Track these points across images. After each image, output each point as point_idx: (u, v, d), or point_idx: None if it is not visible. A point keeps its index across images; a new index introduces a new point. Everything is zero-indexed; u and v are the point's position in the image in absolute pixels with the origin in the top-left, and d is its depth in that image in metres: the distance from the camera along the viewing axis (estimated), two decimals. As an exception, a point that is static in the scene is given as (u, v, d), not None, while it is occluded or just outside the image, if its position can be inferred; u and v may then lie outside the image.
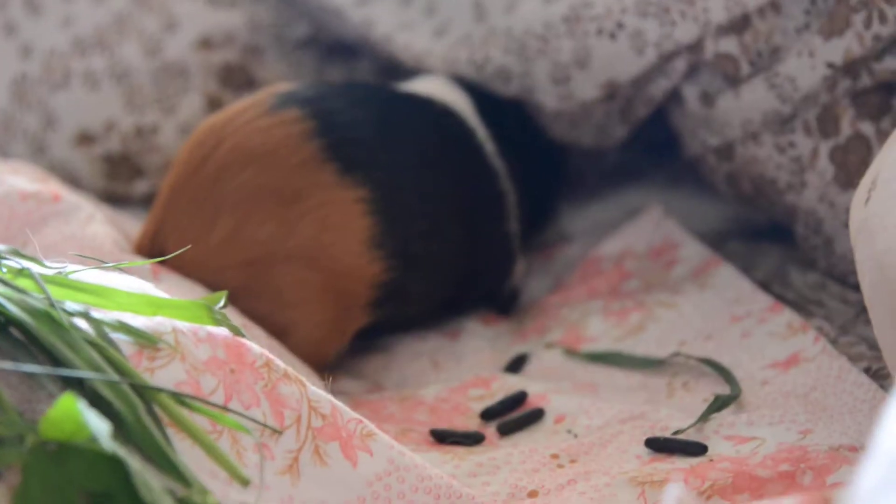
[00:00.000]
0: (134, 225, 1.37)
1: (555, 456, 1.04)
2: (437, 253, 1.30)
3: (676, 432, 1.07)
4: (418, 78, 1.42)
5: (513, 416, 1.15)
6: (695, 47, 1.34)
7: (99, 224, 1.23)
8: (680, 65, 1.37)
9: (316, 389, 0.89)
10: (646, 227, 1.46)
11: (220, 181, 1.18)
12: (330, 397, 0.89)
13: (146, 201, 1.58)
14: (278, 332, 1.19)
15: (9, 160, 1.45)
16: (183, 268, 1.17)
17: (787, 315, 1.23)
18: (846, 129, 1.27)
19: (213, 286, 1.16)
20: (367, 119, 1.25)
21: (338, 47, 1.63)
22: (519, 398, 1.17)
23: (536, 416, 1.14)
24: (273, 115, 1.20)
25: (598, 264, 1.44)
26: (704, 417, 1.08)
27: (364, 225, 1.22)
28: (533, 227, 1.47)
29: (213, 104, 1.57)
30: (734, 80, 1.35)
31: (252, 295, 1.18)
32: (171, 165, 1.25)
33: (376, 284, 1.25)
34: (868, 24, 1.21)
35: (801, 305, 1.29)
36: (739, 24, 1.31)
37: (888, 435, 0.53)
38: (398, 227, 1.25)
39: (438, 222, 1.30)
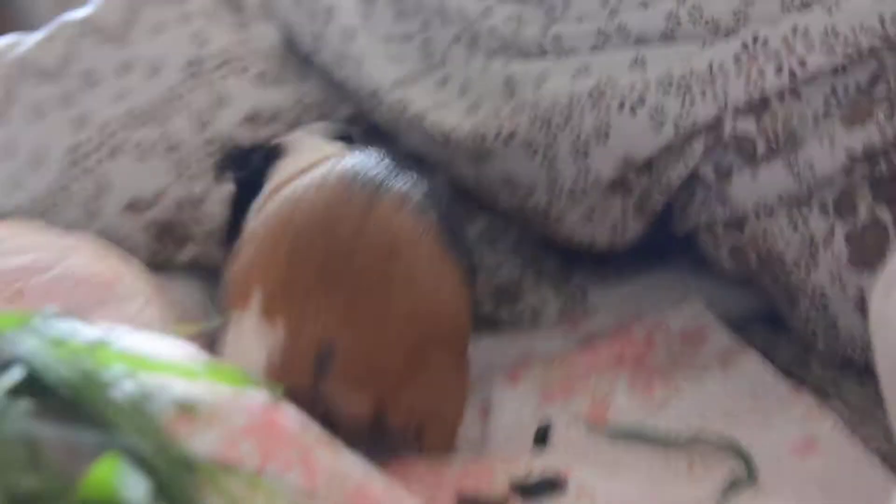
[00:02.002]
0: (181, 292, 1.38)
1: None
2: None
3: None
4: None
5: (537, 482, 1.14)
6: (713, 126, 1.34)
7: (156, 309, 1.24)
8: (697, 146, 1.37)
9: (347, 455, 0.89)
10: (684, 314, 1.46)
11: (377, 270, 1.15)
12: (361, 463, 0.89)
13: (191, 266, 1.60)
14: (432, 416, 1.18)
15: (67, 231, 1.45)
16: (341, 359, 1.12)
17: (806, 400, 1.23)
18: (863, 213, 1.27)
19: (372, 377, 1.13)
20: (418, 186, 1.24)
21: (375, 127, 1.64)
22: (553, 483, 1.15)
23: (559, 486, 1.13)
24: (382, 200, 1.18)
25: (630, 331, 1.44)
26: (724, 496, 1.08)
27: (468, 295, 1.23)
28: None
29: (259, 176, 1.58)
30: (751, 160, 1.35)
31: (413, 383, 1.15)
32: (280, 256, 1.18)
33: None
34: (890, 115, 1.22)
35: (820, 390, 1.29)
36: (758, 107, 1.31)
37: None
38: (472, 295, 1.26)
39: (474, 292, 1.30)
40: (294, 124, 1.60)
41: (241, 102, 1.58)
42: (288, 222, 1.19)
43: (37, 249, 1.30)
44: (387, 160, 1.26)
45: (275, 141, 1.43)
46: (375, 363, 1.13)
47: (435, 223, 1.20)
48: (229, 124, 1.58)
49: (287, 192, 1.23)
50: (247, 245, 1.22)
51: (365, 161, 1.24)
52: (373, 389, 1.13)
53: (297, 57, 1.66)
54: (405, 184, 1.22)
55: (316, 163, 1.29)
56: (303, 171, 1.28)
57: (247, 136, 1.59)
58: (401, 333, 1.13)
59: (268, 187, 1.33)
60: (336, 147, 1.38)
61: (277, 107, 1.60)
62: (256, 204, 1.32)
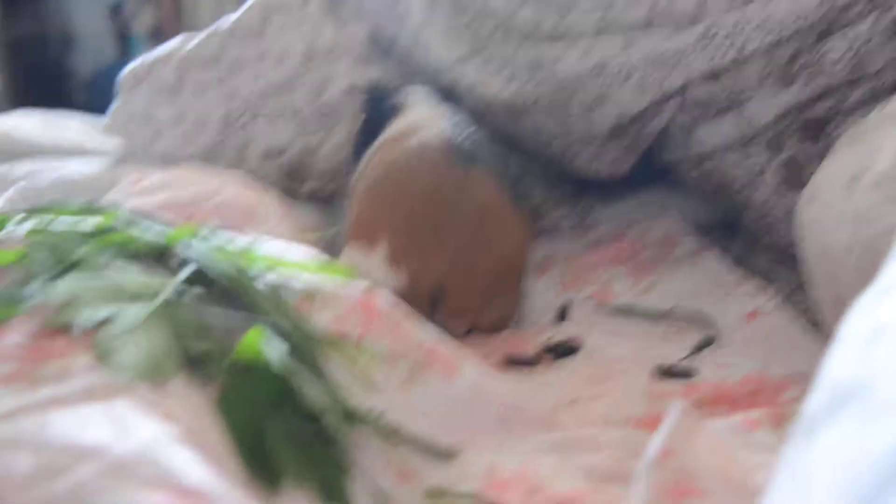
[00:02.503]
0: (303, 213, 1.39)
1: (589, 378, 1.03)
2: None
3: (679, 359, 1.06)
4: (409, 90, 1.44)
5: (560, 344, 1.15)
6: (682, 91, 1.34)
7: (285, 227, 1.25)
8: (672, 105, 1.37)
9: (426, 326, 0.88)
10: (663, 222, 1.47)
11: (476, 229, 1.16)
12: (436, 335, 0.89)
13: (310, 197, 1.60)
14: (498, 324, 1.20)
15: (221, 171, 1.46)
16: (449, 295, 1.15)
17: (752, 283, 1.23)
18: (790, 149, 1.28)
19: (466, 306, 1.16)
20: (496, 161, 1.24)
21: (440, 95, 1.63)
22: (572, 347, 1.15)
23: (576, 347, 1.14)
24: (472, 173, 1.18)
25: (623, 238, 1.44)
26: (695, 351, 1.07)
27: (529, 244, 1.24)
28: None
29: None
30: (710, 114, 1.35)
31: (490, 307, 1.18)
32: (400, 215, 1.18)
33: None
34: (809, 80, 1.23)
35: (762, 276, 1.30)
36: (715, 75, 1.30)
37: (830, 368, 0.51)
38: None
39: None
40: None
41: (343, 79, 1.58)
42: (406, 186, 1.18)
43: (202, 184, 1.30)
44: (469, 130, 1.26)
45: (399, 97, 1.43)
46: (471, 300, 1.16)
47: (507, 188, 1.20)
48: (335, 95, 1.57)
49: (399, 152, 1.22)
50: (368, 195, 1.21)
51: (456, 132, 1.24)
52: (469, 317, 1.17)
53: (381, 45, 1.65)
54: (486, 156, 1.22)
55: (417, 124, 1.28)
56: (407, 131, 1.27)
57: (348, 104, 1.56)
58: (487, 277, 1.16)
59: (382, 137, 1.32)
60: (434, 111, 1.36)
61: (368, 81, 1.58)
62: (372, 148, 1.32)
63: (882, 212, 0.86)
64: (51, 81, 4.71)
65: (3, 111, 2.04)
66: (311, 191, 1.59)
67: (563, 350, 1.13)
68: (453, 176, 1.17)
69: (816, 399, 0.50)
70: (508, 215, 1.18)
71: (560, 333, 1.19)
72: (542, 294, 1.33)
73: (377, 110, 1.40)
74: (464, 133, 1.24)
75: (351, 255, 1.18)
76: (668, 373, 1.03)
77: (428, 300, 1.13)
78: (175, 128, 1.63)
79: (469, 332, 1.17)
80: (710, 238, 1.40)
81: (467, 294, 1.15)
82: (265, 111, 1.57)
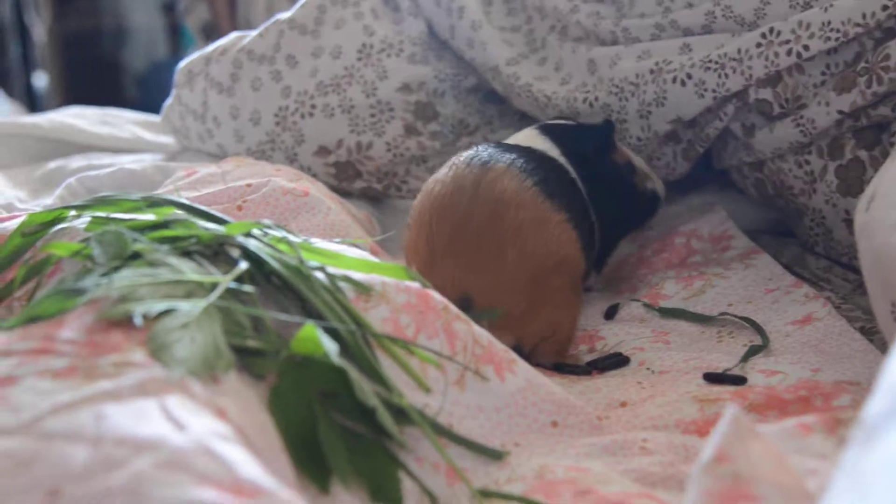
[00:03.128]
0: (354, 210, 1.39)
1: (639, 383, 1.03)
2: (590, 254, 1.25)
3: (726, 370, 1.04)
4: (516, 133, 1.35)
5: (609, 361, 1.12)
6: (740, 94, 1.33)
7: (335, 215, 1.24)
8: (729, 109, 1.36)
9: (478, 327, 0.88)
10: (711, 221, 1.44)
11: (491, 226, 1.09)
12: (488, 334, 0.89)
13: (360, 195, 1.61)
14: (550, 334, 1.12)
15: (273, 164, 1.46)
16: (478, 303, 1.07)
17: (805, 288, 1.21)
18: (848, 154, 1.28)
19: (507, 302, 1.08)
20: (541, 168, 1.17)
21: (493, 93, 1.62)
22: (621, 360, 1.13)
23: (625, 361, 1.12)
24: (489, 170, 1.13)
25: (673, 241, 1.42)
26: (745, 359, 1.06)
27: (575, 236, 1.16)
28: (603, 253, 1.36)
29: (409, 130, 1.57)
30: (769, 118, 1.34)
31: (533, 311, 1.10)
32: (418, 233, 1.14)
33: (583, 275, 1.21)
34: (868, 84, 1.21)
35: (814, 282, 1.29)
36: (774, 79, 1.30)
37: (890, 373, 0.51)
38: (585, 236, 1.19)
39: (591, 234, 1.24)
40: (433, 93, 1.59)
41: (397, 76, 1.57)
42: (426, 206, 1.14)
43: (252, 176, 1.31)
44: (500, 144, 1.22)
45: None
46: (504, 300, 1.08)
47: (536, 182, 1.13)
48: (389, 92, 1.57)
49: (429, 179, 1.19)
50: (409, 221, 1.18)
51: (484, 146, 1.19)
52: (511, 324, 1.08)
53: (436, 42, 1.65)
54: (509, 157, 1.15)
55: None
56: None
57: (401, 101, 1.57)
58: (515, 275, 1.08)
59: None
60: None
61: (422, 79, 1.59)
62: None
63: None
64: (103, 77, 4.76)
65: (54, 107, 2.07)
66: (360, 189, 1.59)
67: (612, 363, 1.12)
68: (469, 178, 1.13)
69: (876, 404, 0.50)
70: (535, 208, 1.12)
71: (610, 345, 1.18)
72: (591, 300, 1.32)
73: None
74: (496, 149, 1.19)
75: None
76: (718, 379, 1.02)
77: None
78: (229, 123, 1.64)
79: (521, 350, 1.07)
80: (759, 243, 1.38)
81: (498, 295, 1.08)
82: (318, 108, 1.57)
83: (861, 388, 0.96)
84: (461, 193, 1.11)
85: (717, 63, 1.31)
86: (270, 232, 0.88)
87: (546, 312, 1.11)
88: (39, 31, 4.58)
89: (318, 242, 0.91)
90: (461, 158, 1.17)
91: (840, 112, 1.24)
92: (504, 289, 1.08)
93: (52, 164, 1.72)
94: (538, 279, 1.10)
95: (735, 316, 1.17)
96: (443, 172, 1.17)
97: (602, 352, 1.17)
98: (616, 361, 1.12)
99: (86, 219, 0.92)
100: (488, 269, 1.08)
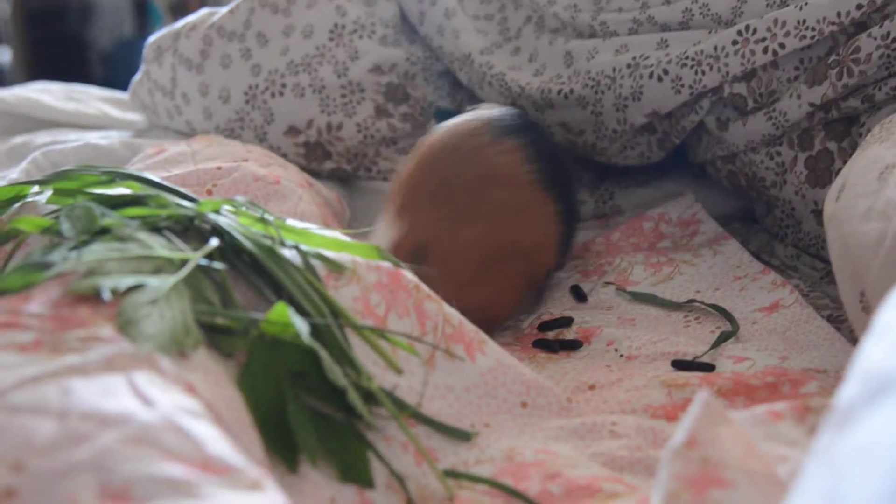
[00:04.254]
0: (324, 192, 1.38)
1: (608, 366, 1.03)
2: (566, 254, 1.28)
3: (696, 357, 1.05)
4: (481, 105, 1.34)
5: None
6: (716, 90, 1.34)
7: (306, 204, 1.24)
8: (705, 104, 1.37)
9: (449, 307, 0.88)
10: (679, 205, 1.45)
11: (474, 194, 1.11)
12: (458, 314, 0.88)
13: (330, 176, 1.59)
14: (483, 309, 1.10)
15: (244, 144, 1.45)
16: (433, 256, 1.08)
17: (773, 276, 1.22)
18: (817, 145, 1.28)
19: (451, 273, 1.07)
20: (540, 145, 1.20)
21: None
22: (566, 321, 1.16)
23: (579, 345, 1.12)
24: (498, 143, 1.14)
25: (641, 225, 1.42)
26: (715, 346, 1.07)
27: (558, 231, 1.18)
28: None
29: (380, 111, 1.56)
30: (742, 112, 1.35)
31: (478, 283, 1.11)
32: (413, 171, 1.15)
33: (548, 274, 1.24)
34: (840, 76, 1.21)
35: (782, 270, 1.30)
36: (749, 75, 1.30)
37: (865, 359, 0.51)
38: (566, 233, 1.22)
39: (572, 232, 1.27)
40: (404, 75, 1.58)
41: (368, 57, 1.56)
42: (425, 146, 1.16)
43: (223, 157, 1.29)
44: (525, 120, 1.23)
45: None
46: (456, 267, 1.09)
47: (540, 169, 1.15)
48: (360, 73, 1.56)
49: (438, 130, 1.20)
50: (402, 168, 1.19)
51: (507, 113, 1.20)
52: (452, 287, 1.06)
53: (408, 26, 1.64)
54: (526, 136, 1.17)
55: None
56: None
57: (372, 82, 1.56)
58: (476, 246, 1.10)
59: None
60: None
61: (394, 61, 1.58)
62: None
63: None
64: (68, 54, 4.70)
65: (18, 84, 2.03)
66: (330, 171, 1.58)
67: (565, 344, 1.12)
68: (474, 140, 1.14)
69: (850, 390, 0.50)
70: (529, 194, 1.14)
71: (575, 325, 1.18)
72: (560, 281, 1.32)
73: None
74: (511, 114, 1.21)
75: (379, 222, 1.16)
76: (686, 366, 1.02)
77: (410, 255, 1.07)
78: (198, 100, 1.62)
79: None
80: (728, 230, 1.38)
81: (453, 260, 1.09)
82: (288, 87, 1.56)
83: (828, 375, 0.97)
84: (458, 152, 1.13)
85: (693, 60, 1.32)
86: (245, 210, 0.87)
87: (492, 290, 1.13)
88: (3, 5, 4.52)
89: (291, 221, 0.90)
90: (485, 115, 1.19)
91: (811, 104, 1.25)
92: (461, 256, 1.10)
93: (18, 140, 1.70)
94: (498, 259, 1.12)
95: (704, 304, 1.17)
96: (465, 118, 1.18)
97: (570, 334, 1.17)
98: (568, 342, 1.12)
99: (48, 194, 0.91)
100: (456, 232, 1.09)
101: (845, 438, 0.47)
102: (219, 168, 1.24)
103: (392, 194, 1.16)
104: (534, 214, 1.14)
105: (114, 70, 4.57)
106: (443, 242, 1.09)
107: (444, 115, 1.34)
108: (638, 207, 1.49)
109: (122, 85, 1.89)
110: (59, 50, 4.65)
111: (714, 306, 1.16)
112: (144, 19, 4.82)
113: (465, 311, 1.04)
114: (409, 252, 1.08)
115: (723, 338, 1.08)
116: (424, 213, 1.11)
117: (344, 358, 0.77)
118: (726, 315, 1.13)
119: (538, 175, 1.15)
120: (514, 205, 1.12)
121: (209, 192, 1.20)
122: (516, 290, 1.17)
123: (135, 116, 1.84)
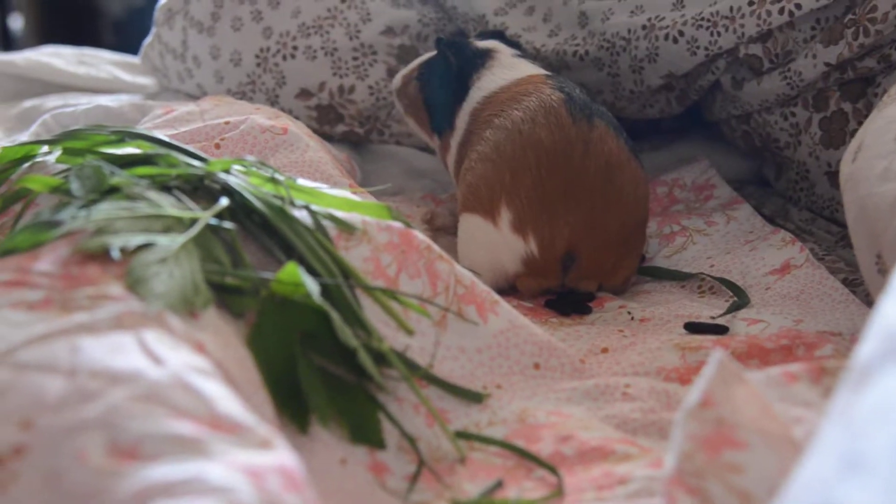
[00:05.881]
0: (336, 150, 1.38)
1: (620, 330, 1.02)
2: None
3: (711, 317, 1.04)
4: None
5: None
6: (732, 50, 1.33)
7: (314, 152, 1.22)
8: (720, 64, 1.36)
9: (461, 268, 0.87)
10: (694, 171, 1.43)
11: (601, 187, 1.09)
12: (470, 274, 0.87)
13: (343, 139, 1.59)
14: (622, 285, 1.16)
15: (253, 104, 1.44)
16: (582, 258, 1.10)
17: (782, 234, 1.21)
18: (832, 106, 1.28)
19: (598, 266, 1.11)
20: (609, 115, 1.18)
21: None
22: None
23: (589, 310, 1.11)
24: (593, 127, 1.12)
25: (655, 190, 1.41)
26: (728, 312, 1.05)
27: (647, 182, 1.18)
28: None
29: (392, 73, 1.54)
30: (758, 72, 1.33)
31: (620, 266, 1.13)
32: (522, 179, 1.11)
33: None
34: (855, 36, 1.20)
35: (797, 234, 1.28)
36: (765, 36, 1.29)
37: (883, 317, 0.50)
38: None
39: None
40: (416, 37, 1.57)
41: (380, 18, 1.55)
42: (529, 149, 1.11)
43: (231, 115, 1.28)
44: (576, 87, 1.21)
45: (482, 45, 1.33)
46: (605, 259, 1.11)
47: (626, 140, 1.14)
48: (372, 35, 1.55)
49: (517, 115, 1.15)
50: (487, 161, 1.13)
51: (567, 87, 1.18)
52: (600, 277, 1.13)
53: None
54: (601, 111, 1.16)
55: (523, 82, 1.22)
56: (514, 88, 1.21)
57: (384, 44, 1.55)
58: (619, 234, 1.11)
59: (479, 93, 1.25)
60: (530, 66, 1.29)
61: (406, 23, 1.56)
62: (469, 104, 1.25)
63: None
64: (80, 21, 4.68)
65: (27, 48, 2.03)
66: (342, 133, 1.57)
67: (577, 307, 1.11)
68: (578, 133, 1.11)
69: (868, 348, 0.49)
70: (632, 167, 1.13)
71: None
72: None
73: (463, 59, 1.30)
74: (572, 87, 1.19)
75: (470, 224, 1.14)
76: (699, 329, 1.01)
77: (560, 265, 1.10)
78: (209, 63, 1.61)
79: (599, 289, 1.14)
80: (742, 194, 1.37)
81: (600, 254, 1.11)
82: (300, 50, 1.55)
83: (843, 338, 0.96)
84: (572, 149, 1.10)
85: (709, 21, 1.31)
86: (256, 170, 0.87)
87: (629, 263, 1.15)
88: (15, -29, 4.50)
89: (301, 181, 0.89)
90: (553, 101, 1.14)
91: (827, 64, 1.23)
92: (607, 246, 1.11)
93: (28, 103, 1.69)
94: (630, 236, 1.13)
95: (713, 277, 1.16)
96: (531, 112, 1.14)
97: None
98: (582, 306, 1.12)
99: (58, 153, 0.91)
100: (598, 227, 1.10)
101: (862, 397, 0.46)
102: (227, 123, 1.23)
103: (484, 202, 1.13)
104: (644, 187, 1.15)
105: (125, 37, 4.55)
106: (587, 242, 1.09)
107: (445, 45, 1.31)
108: (652, 171, 1.48)
109: (134, 51, 1.88)
110: (71, 17, 4.63)
111: (724, 280, 1.14)
112: (156, -15, 4.79)
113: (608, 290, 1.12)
114: (560, 262, 1.10)
115: (735, 306, 1.07)
116: (560, 220, 1.09)
117: (354, 319, 0.76)
118: (736, 290, 1.11)
119: (629, 147, 1.14)
120: (630, 183, 1.12)
121: (217, 147, 1.19)
122: (639, 252, 1.19)
123: (146, 80, 1.83)
